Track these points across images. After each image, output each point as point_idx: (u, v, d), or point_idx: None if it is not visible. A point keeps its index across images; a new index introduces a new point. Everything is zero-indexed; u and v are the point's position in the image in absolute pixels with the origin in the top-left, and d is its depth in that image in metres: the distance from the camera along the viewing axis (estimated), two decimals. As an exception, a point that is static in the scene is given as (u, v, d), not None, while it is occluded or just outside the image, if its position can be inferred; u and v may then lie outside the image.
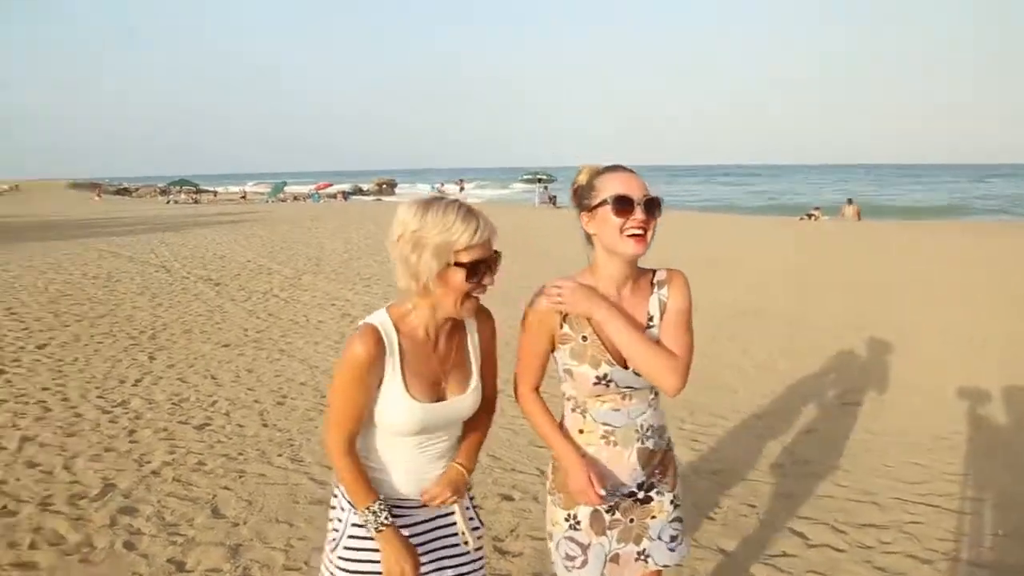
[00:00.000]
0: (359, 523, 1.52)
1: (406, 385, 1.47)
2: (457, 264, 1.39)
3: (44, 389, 4.99)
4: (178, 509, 3.23)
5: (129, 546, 2.90)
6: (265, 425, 4.35)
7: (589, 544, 1.64)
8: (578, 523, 1.64)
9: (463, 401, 1.56)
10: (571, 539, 1.65)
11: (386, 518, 1.47)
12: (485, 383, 1.62)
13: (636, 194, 1.48)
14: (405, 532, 1.53)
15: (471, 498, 1.71)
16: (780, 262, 12.17)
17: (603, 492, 1.57)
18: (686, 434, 4.24)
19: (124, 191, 52.96)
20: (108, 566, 2.77)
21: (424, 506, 1.58)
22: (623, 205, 1.47)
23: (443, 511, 1.62)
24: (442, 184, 40.90)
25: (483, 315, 1.61)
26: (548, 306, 1.56)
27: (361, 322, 1.50)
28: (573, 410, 1.65)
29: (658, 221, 1.52)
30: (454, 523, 1.62)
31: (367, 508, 1.47)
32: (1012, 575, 2.74)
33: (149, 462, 3.76)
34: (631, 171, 1.54)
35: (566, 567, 1.66)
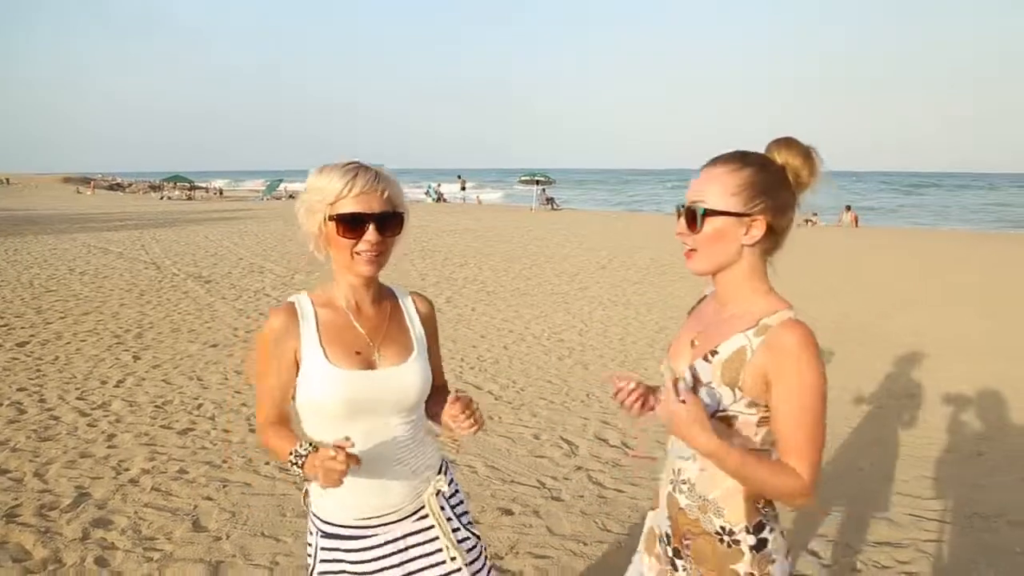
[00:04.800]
0: (328, 547, 1.43)
1: (325, 353, 1.37)
2: (330, 218, 1.33)
3: (20, 389, 4.79)
4: (156, 521, 3.04)
5: (101, 562, 2.71)
6: (252, 430, 4.16)
7: (636, 551, 1.53)
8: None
9: (401, 372, 1.42)
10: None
11: (305, 449, 1.28)
12: (433, 367, 1.52)
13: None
14: (372, 562, 1.42)
15: (458, 504, 1.54)
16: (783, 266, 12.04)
17: None
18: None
19: (117, 186, 52.47)
20: (77, 584, 2.59)
21: (394, 521, 1.43)
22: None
23: (419, 526, 1.45)
24: (439, 184, 40.58)
25: (418, 297, 1.57)
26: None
27: None
28: None
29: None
30: (435, 538, 1.46)
31: (289, 454, 1.30)
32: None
33: (127, 469, 3.57)
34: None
35: None
